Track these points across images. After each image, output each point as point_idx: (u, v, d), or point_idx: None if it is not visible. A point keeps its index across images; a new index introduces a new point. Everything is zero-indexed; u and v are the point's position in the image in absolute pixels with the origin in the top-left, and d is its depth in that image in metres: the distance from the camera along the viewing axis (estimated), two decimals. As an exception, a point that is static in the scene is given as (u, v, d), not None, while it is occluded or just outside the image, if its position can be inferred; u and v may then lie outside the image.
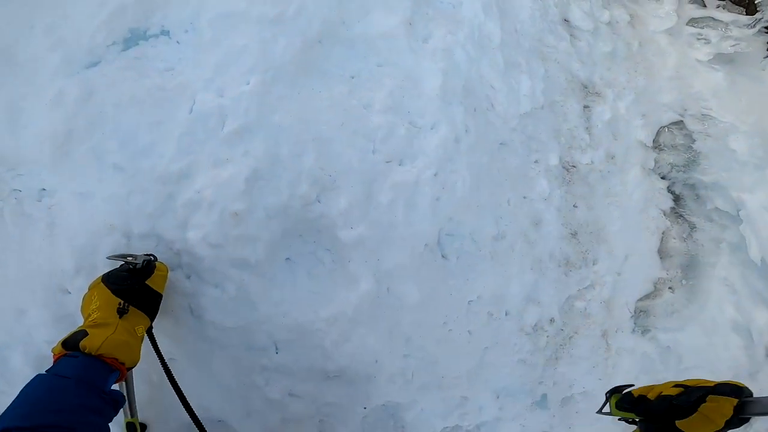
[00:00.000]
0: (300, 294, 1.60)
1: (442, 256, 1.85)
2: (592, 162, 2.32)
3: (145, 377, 1.44)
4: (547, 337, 1.99)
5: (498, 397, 1.89)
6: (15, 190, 1.39)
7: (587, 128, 2.40)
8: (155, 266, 1.28)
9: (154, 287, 1.24)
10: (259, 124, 1.54)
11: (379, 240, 1.70)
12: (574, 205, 2.22)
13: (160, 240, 1.43)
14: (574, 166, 2.28)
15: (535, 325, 1.97)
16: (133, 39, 1.55)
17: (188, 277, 1.43)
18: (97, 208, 1.39)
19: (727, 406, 0.89)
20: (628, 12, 2.75)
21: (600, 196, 2.31)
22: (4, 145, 1.37)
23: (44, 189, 1.40)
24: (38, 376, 0.97)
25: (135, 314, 1.17)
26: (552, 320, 2.01)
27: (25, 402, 0.92)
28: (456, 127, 1.86)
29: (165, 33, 1.59)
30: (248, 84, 1.56)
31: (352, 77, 1.76)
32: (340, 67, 1.75)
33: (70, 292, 1.36)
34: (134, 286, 1.18)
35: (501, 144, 2.05)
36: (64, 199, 1.40)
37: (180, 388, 1.23)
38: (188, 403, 1.21)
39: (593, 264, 2.19)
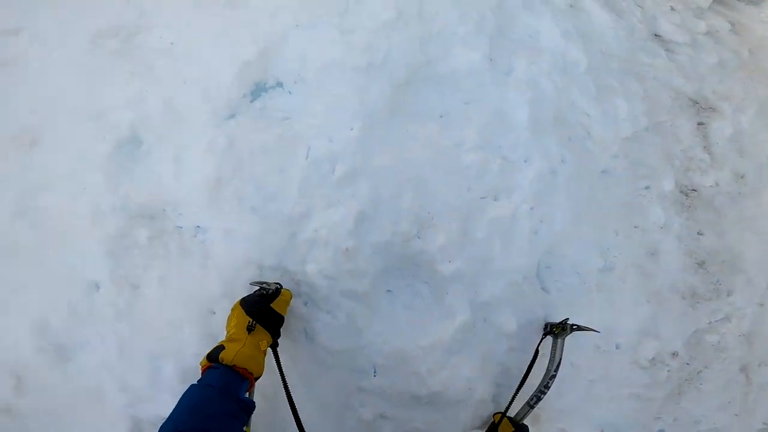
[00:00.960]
0: (400, 323, 1.73)
1: (542, 289, 1.86)
2: (717, 184, 2.15)
3: (260, 390, 1.64)
4: (668, 371, 1.92)
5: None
6: (178, 227, 1.68)
7: (705, 147, 2.23)
8: (281, 292, 1.47)
9: (278, 310, 1.41)
10: (363, 168, 1.70)
11: (475, 273, 1.77)
12: (698, 233, 2.09)
13: (284, 272, 1.65)
14: (694, 190, 2.13)
15: (653, 359, 1.91)
16: (257, 91, 1.78)
17: (306, 304, 1.64)
18: (239, 244, 1.64)
19: None
20: (727, 20, 2.49)
21: (731, 221, 2.14)
22: (170, 189, 1.67)
23: (199, 226, 1.68)
24: (192, 386, 1.18)
25: (260, 331, 1.33)
26: (675, 354, 1.93)
27: (186, 408, 1.13)
28: (551, 158, 1.87)
29: (279, 85, 1.80)
30: (352, 129, 1.71)
31: (441, 116, 1.84)
32: (429, 107, 1.83)
33: (215, 313, 1.62)
34: (261, 307, 1.37)
35: (602, 172, 2.00)
36: (214, 236, 1.66)
37: (294, 404, 1.37)
38: (300, 420, 1.35)
39: (727, 295, 2.06)
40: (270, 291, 1.45)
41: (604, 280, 1.89)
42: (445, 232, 1.74)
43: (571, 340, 1.82)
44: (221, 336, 1.60)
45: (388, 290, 1.77)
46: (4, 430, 1.79)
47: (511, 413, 1.67)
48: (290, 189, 1.65)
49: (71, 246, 1.64)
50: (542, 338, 1.78)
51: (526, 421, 1.67)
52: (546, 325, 1.82)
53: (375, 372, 1.71)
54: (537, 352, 1.74)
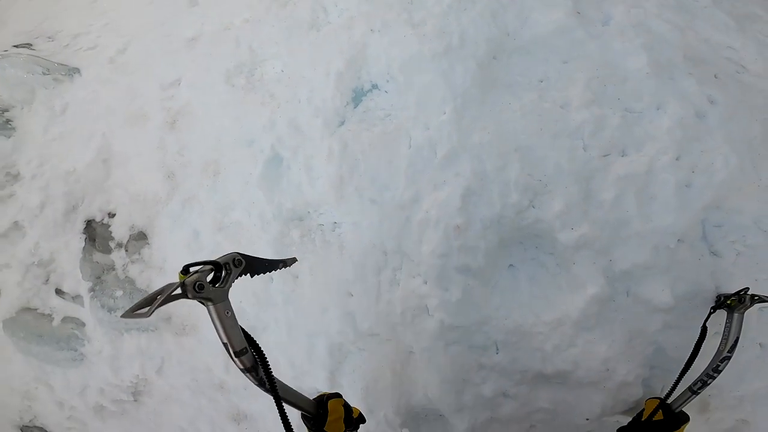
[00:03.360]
0: (522, 298, 1.69)
1: (712, 253, 1.58)
2: None
3: None
4: None
5: (801, 428, 1.46)
6: (320, 224, 2.01)
7: None
8: (327, 408, 1.26)
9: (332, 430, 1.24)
10: (463, 147, 1.72)
11: (607, 239, 1.61)
12: None
13: (404, 255, 1.80)
14: None
15: None
16: (357, 97, 1.98)
17: (425, 283, 1.75)
18: (364, 233, 1.86)
19: None
20: None
21: None
22: (308, 193, 2.01)
23: (335, 222, 1.97)
24: None
25: None
26: None
27: None
28: (693, 101, 1.58)
29: (375, 86, 1.97)
30: (445, 113, 1.76)
31: (541, 81, 1.74)
32: (524, 76, 1.76)
33: (352, 295, 1.88)
34: None
35: None
36: (346, 229, 1.93)
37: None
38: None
39: None
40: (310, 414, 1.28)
41: (807, 238, 1.47)
42: (563, 198, 1.63)
43: (757, 316, 1.51)
44: (358, 315, 1.87)
45: (511, 265, 1.75)
46: (217, 402, 2.39)
47: (669, 398, 1.45)
48: (399, 177, 1.80)
49: (252, 249, 2.10)
50: (710, 312, 1.50)
51: (689, 410, 1.43)
52: (718, 297, 1.53)
53: (497, 349, 1.70)
54: (705, 329, 1.47)
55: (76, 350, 2.75)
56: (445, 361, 1.74)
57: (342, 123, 1.99)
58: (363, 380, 1.86)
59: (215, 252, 2.19)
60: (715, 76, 1.64)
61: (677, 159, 1.58)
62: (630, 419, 1.51)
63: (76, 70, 2.91)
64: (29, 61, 2.93)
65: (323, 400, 1.30)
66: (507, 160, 1.68)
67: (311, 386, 2.04)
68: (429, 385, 1.79)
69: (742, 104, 1.58)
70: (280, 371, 2.11)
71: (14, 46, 3.18)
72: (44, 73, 2.91)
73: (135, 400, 2.69)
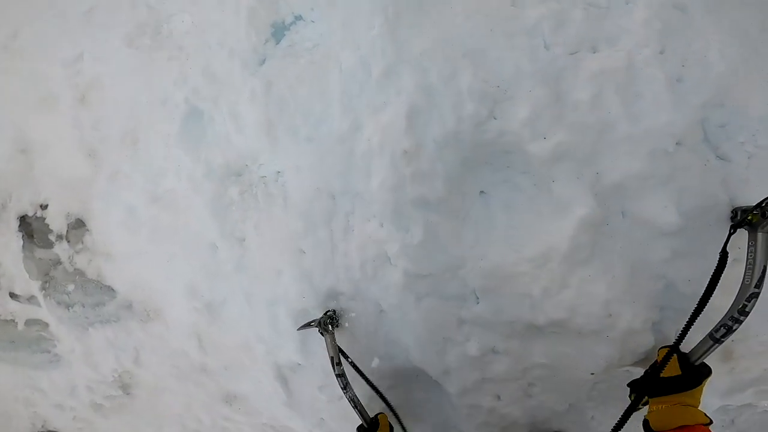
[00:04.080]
0: (497, 231, 1.43)
1: (718, 157, 1.28)
2: None
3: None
4: None
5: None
6: (262, 176, 1.76)
7: None
8: (377, 421, 1.51)
9: None
10: (401, 60, 1.43)
11: (589, 146, 1.32)
12: None
13: (355, 195, 1.54)
14: None
15: None
16: (279, 32, 1.72)
17: (381, 226, 1.49)
18: (306, 176, 1.62)
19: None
20: None
21: None
22: (240, 144, 1.74)
23: (279, 171, 1.71)
24: None
25: None
26: None
27: None
28: None
29: (299, 18, 1.70)
30: (374, 28, 1.47)
31: None
32: None
33: (304, 252, 1.65)
34: None
35: None
36: (288, 176, 1.68)
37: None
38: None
39: None
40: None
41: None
42: (528, 103, 1.33)
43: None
44: (315, 274, 1.64)
45: (482, 191, 1.48)
46: (204, 385, 2.25)
47: (687, 348, 1.17)
48: (334, 107, 1.53)
49: (191, 216, 1.88)
50: (730, 233, 1.18)
51: (708, 360, 1.15)
52: (734, 212, 1.23)
53: (477, 299, 1.45)
54: (725, 254, 1.15)
55: (49, 351, 2.61)
56: (418, 317, 1.52)
57: (263, 61, 1.71)
58: (373, 398, 1.69)
59: (154, 227, 1.96)
60: None
61: (661, 53, 1.29)
62: (642, 371, 1.25)
63: None
64: None
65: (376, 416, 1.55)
66: (455, 67, 1.38)
67: (288, 359, 1.86)
68: (408, 348, 1.59)
69: None
70: (253, 348, 1.93)
71: None
72: None
73: (127, 394, 2.59)
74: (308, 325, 1.61)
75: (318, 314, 1.67)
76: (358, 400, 1.51)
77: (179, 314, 2.09)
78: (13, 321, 2.62)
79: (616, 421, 1.14)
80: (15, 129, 2.29)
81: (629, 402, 1.20)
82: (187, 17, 1.90)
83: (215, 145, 1.77)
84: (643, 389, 1.18)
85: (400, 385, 1.71)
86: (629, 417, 1.15)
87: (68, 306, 2.41)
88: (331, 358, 1.53)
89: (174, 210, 1.91)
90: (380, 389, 1.68)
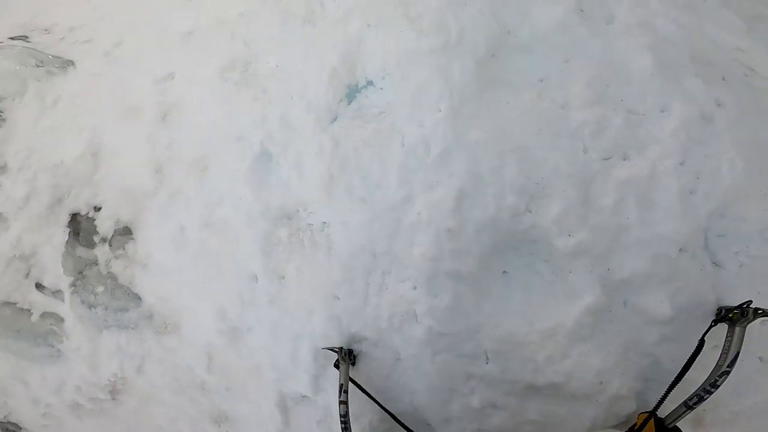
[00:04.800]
0: (514, 306, 1.62)
1: (714, 263, 1.51)
2: None
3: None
4: None
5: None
6: (309, 224, 1.93)
7: None
8: None
9: None
10: (458, 145, 1.65)
11: (605, 246, 1.54)
12: None
13: (394, 257, 1.72)
14: None
15: None
16: (351, 93, 1.93)
17: (414, 288, 1.68)
18: (353, 233, 1.79)
19: None
20: None
21: None
22: (298, 191, 1.94)
23: (325, 222, 1.89)
24: None
25: None
26: None
27: None
28: (699, 103, 1.52)
29: (370, 83, 1.91)
30: (440, 111, 1.70)
31: (541, 80, 1.68)
32: (523, 74, 1.70)
33: (338, 298, 1.81)
34: None
35: None
36: (335, 229, 1.86)
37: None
38: None
39: None
40: (337, 359, 1.70)
41: (810, 249, 1.41)
42: (560, 202, 1.57)
43: (759, 329, 1.44)
44: (344, 318, 1.80)
45: (504, 271, 1.68)
46: (198, 402, 2.31)
47: (663, 413, 1.38)
48: (391, 176, 1.73)
49: (238, 247, 2.04)
50: (711, 325, 1.44)
51: (681, 425, 1.36)
52: (719, 310, 1.47)
53: (487, 359, 1.63)
54: (702, 342, 1.41)
55: (53, 346, 2.65)
56: (432, 369, 1.66)
57: (334, 119, 1.92)
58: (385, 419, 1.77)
59: (200, 250, 2.12)
60: (723, 78, 1.58)
61: (681, 164, 1.52)
62: None
63: (71, 63, 2.85)
64: (23, 54, 2.88)
65: None
66: (504, 161, 1.62)
67: (295, 390, 1.96)
68: (416, 394, 1.71)
69: (751, 107, 1.53)
70: (263, 374, 2.03)
71: (10, 38, 3.10)
72: (37, 66, 2.86)
73: (113, 399, 2.60)
74: (332, 348, 1.71)
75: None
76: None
77: (198, 332, 2.20)
78: (29, 311, 2.68)
79: None
80: (93, 132, 2.49)
81: None
82: (272, 59, 2.11)
83: (276, 188, 1.96)
84: None
85: (395, 429, 1.77)
86: None
87: (91, 306, 2.51)
88: (341, 385, 1.63)
89: (223, 238, 2.07)
90: (376, 428, 1.78)
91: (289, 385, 1.97)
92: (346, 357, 1.74)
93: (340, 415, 1.60)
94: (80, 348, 2.55)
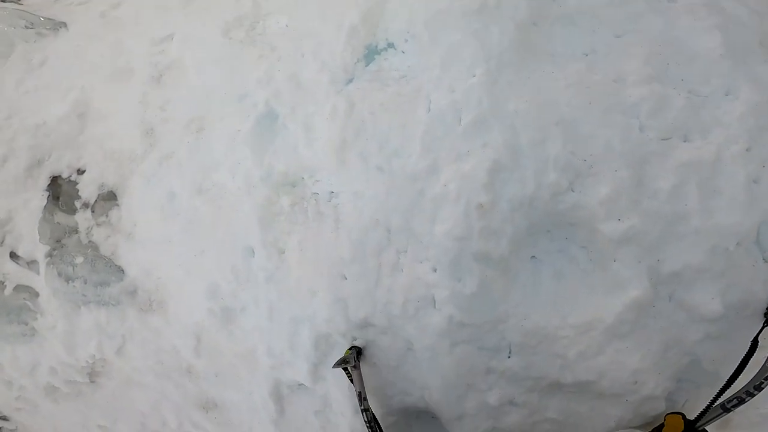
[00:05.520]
0: (546, 296, 1.46)
1: (764, 260, 1.37)
2: None
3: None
4: None
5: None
6: (314, 193, 1.74)
7: None
8: None
9: None
10: (494, 114, 1.48)
11: (658, 235, 1.38)
12: None
13: (412, 234, 1.53)
14: None
15: None
16: (370, 55, 1.76)
17: (434, 270, 1.49)
18: (366, 205, 1.61)
19: None
20: None
21: None
22: (305, 156, 1.74)
23: (332, 192, 1.71)
24: None
25: None
26: None
27: None
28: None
29: (390, 45, 1.75)
30: (475, 76, 1.53)
31: (586, 54, 1.53)
32: (567, 46, 1.55)
33: (346, 278, 1.62)
34: None
35: None
36: (345, 199, 1.67)
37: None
38: None
39: None
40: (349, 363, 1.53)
41: None
42: (611, 182, 1.38)
43: None
44: (351, 302, 1.61)
45: (533, 256, 1.50)
46: (184, 388, 2.13)
47: (691, 415, 1.27)
48: (414, 144, 1.55)
49: (234, 216, 1.84)
50: (764, 325, 1.33)
51: (710, 428, 1.25)
52: None
53: (510, 352, 1.48)
54: (756, 342, 1.30)
55: (26, 324, 2.46)
56: (449, 362, 1.51)
57: (350, 81, 1.75)
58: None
59: (191, 219, 1.92)
60: None
61: (748, 150, 1.36)
62: None
63: (63, 25, 2.67)
64: (13, 15, 2.75)
65: None
66: (546, 134, 1.43)
67: (291, 378, 1.80)
68: (428, 388, 1.56)
69: None
70: (257, 359, 1.86)
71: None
72: (27, 27, 2.72)
73: (92, 382, 2.44)
74: (345, 365, 1.55)
75: (343, 342, 1.64)
76: None
77: (186, 311, 2.01)
78: (2, 283, 2.48)
79: None
80: (81, 92, 2.30)
81: None
82: (284, 19, 1.95)
83: (281, 152, 1.77)
84: None
85: (401, 422, 1.69)
86: None
87: (69, 279, 2.30)
88: (359, 393, 1.49)
89: (217, 205, 1.87)
90: (381, 422, 1.62)
91: (286, 373, 1.79)
92: (358, 360, 1.58)
93: (366, 421, 1.46)
94: (56, 326, 2.37)
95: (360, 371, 1.54)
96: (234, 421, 2.10)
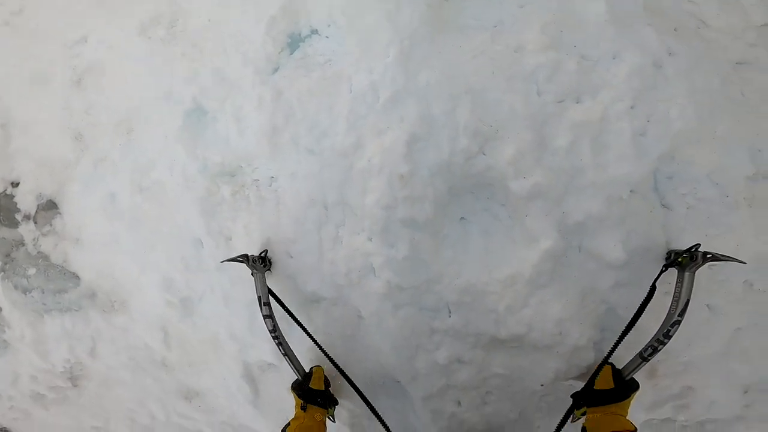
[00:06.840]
0: (474, 253, 1.58)
1: (663, 205, 1.50)
2: None
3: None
4: None
5: (746, 392, 1.50)
6: (255, 179, 1.80)
7: None
8: (312, 371, 1.66)
9: (315, 387, 1.61)
10: (408, 89, 1.56)
11: (561, 188, 1.51)
12: None
13: (347, 207, 1.64)
14: None
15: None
16: (294, 43, 1.79)
17: (370, 240, 1.60)
18: (302, 185, 1.69)
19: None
20: None
21: None
22: (239, 146, 1.79)
23: (272, 177, 1.76)
24: None
25: (312, 408, 1.58)
26: None
27: None
28: (651, 51, 1.49)
29: (314, 32, 1.77)
30: (389, 56, 1.59)
31: (495, 26, 1.59)
32: (478, 19, 1.60)
33: (291, 257, 1.72)
34: (303, 390, 1.60)
35: (738, 63, 1.53)
36: (283, 182, 1.74)
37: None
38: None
39: None
40: (301, 376, 1.66)
41: (756, 192, 1.44)
42: (515, 144, 1.50)
43: (707, 275, 1.44)
44: (299, 279, 1.73)
45: (462, 217, 1.63)
46: (162, 381, 2.22)
47: (619, 365, 1.40)
48: (339, 124, 1.62)
49: (177, 210, 1.89)
50: (662, 270, 1.41)
51: (637, 377, 1.38)
52: (669, 254, 1.46)
53: (450, 312, 1.60)
54: (653, 288, 1.39)
55: (-3, 337, 2.47)
56: (394, 325, 1.63)
57: (276, 70, 1.78)
58: (312, 349, 1.73)
59: (136, 217, 1.96)
60: (675, 29, 1.53)
61: (632, 107, 1.49)
62: (583, 385, 1.45)
63: None
64: None
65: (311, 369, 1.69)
66: (456, 103, 1.53)
67: (259, 359, 1.91)
68: (381, 352, 1.68)
69: (702, 58, 1.50)
70: (223, 345, 1.95)
71: None
72: None
73: (75, 386, 2.49)
74: (236, 259, 1.62)
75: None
76: (290, 349, 1.63)
77: (148, 307, 2.08)
78: (-35, 302, 2.45)
79: (558, 423, 1.38)
80: None
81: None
82: (204, 15, 1.92)
83: (214, 144, 1.81)
84: (581, 399, 1.39)
85: (368, 390, 1.76)
86: (567, 419, 1.40)
87: (26, 290, 2.31)
88: (259, 298, 1.58)
89: (160, 202, 1.91)
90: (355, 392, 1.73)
91: (252, 355, 1.90)
92: (258, 263, 1.66)
93: (269, 331, 1.56)
94: (24, 336, 2.39)
95: (263, 275, 1.64)
96: (217, 407, 2.21)
